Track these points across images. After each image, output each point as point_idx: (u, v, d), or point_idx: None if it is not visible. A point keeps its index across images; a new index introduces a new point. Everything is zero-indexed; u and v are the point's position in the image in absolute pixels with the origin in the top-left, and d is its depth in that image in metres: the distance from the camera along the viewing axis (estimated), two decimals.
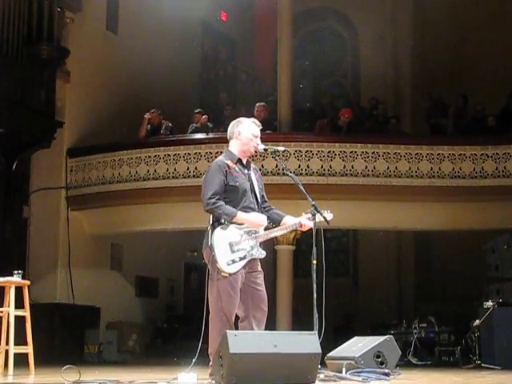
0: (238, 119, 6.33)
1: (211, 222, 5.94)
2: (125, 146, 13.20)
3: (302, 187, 6.51)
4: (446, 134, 13.59)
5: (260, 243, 6.03)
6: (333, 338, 11.03)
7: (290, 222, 6.16)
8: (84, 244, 13.53)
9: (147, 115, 13.26)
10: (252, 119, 6.36)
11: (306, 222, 6.14)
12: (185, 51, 16.12)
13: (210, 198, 5.83)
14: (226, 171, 5.98)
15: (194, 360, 5.92)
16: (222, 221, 5.86)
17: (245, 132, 6.17)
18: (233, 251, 5.89)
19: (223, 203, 5.86)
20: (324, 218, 6.26)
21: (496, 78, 15.32)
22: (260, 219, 5.99)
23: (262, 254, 6.04)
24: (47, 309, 12.49)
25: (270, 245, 13.44)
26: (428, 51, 17.12)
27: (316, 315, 6.19)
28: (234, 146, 6.19)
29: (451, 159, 12.44)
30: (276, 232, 6.21)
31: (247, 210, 5.98)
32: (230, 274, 5.85)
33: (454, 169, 12.41)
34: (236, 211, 5.86)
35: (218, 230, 5.87)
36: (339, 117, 13.23)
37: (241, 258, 5.91)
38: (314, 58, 18.12)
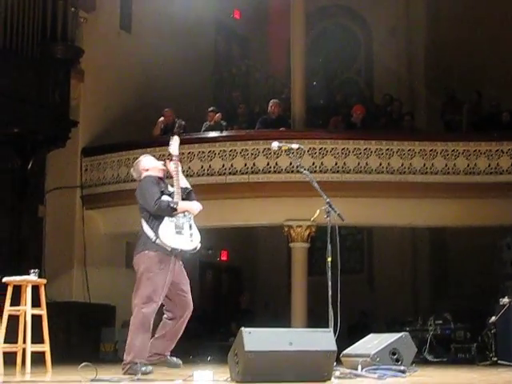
0: (135, 162, 6.84)
1: (147, 224, 6.36)
2: (139, 144, 13.21)
3: (316, 184, 6.54)
4: (461, 131, 13.54)
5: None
6: (348, 335, 11.02)
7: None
8: (99, 243, 13.58)
9: (161, 119, 13.31)
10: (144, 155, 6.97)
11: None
12: (198, 49, 16.13)
13: (155, 202, 6.28)
14: (158, 183, 6.51)
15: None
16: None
17: (147, 164, 6.69)
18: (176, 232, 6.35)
19: (163, 200, 6.33)
20: (338, 215, 6.32)
21: (511, 73, 15.24)
22: (198, 206, 6.52)
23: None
24: (63, 307, 12.55)
25: (284, 242, 13.45)
26: (442, 47, 17.06)
27: (331, 312, 6.21)
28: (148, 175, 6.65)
29: (466, 155, 12.39)
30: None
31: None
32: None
33: (468, 165, 12.36)
34: (177, 201, 6.36)
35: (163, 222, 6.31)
36: (352, 113, 13.21)
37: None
38: (327, 56, 18.10)
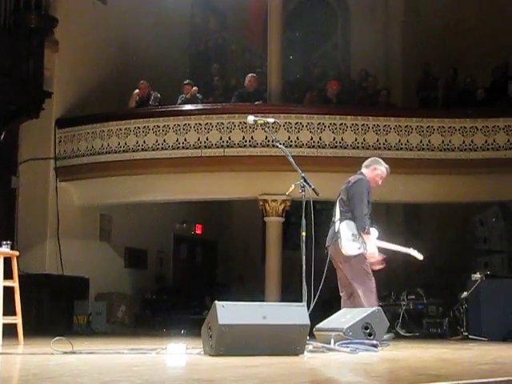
0: (378, 159, 7.77)
1: (343, 226, 7.45)
2: (114, 116, 13.11)
3: (291, 159, 6.52)
4: (436, 107, 13.57)
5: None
6: (321, 309, 11.06)
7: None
8: (73, 215, 13.51)
9: (137, 91, 13.21)
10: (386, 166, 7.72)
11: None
12: (174, 22, 15.98)
13: (366, 215, 7.44)
14: (368, 190, 7.43)
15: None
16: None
17: (379, 171, 7.57)
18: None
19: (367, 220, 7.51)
20: (313, 190, 6.34)
21: (486, 51, 15.27)
22: (374, 252, 7.84)
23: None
24: (36, 279, 12.49)
25: (259, 216, 13.46)
26: (419, 23, 17.04)
27: (305, 287, 6.22)
28: (367, 174, 7.55)
29: (441, 132, 12.43)
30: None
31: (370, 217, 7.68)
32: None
33: (443, 141, 12.41)
34: (370, 233, 7.65)
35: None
36: (327, 89, 13.19)
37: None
38: (304, 30, 18.01)
